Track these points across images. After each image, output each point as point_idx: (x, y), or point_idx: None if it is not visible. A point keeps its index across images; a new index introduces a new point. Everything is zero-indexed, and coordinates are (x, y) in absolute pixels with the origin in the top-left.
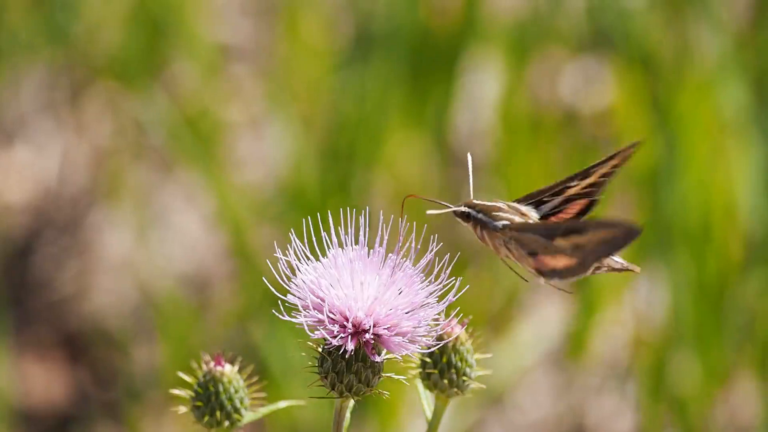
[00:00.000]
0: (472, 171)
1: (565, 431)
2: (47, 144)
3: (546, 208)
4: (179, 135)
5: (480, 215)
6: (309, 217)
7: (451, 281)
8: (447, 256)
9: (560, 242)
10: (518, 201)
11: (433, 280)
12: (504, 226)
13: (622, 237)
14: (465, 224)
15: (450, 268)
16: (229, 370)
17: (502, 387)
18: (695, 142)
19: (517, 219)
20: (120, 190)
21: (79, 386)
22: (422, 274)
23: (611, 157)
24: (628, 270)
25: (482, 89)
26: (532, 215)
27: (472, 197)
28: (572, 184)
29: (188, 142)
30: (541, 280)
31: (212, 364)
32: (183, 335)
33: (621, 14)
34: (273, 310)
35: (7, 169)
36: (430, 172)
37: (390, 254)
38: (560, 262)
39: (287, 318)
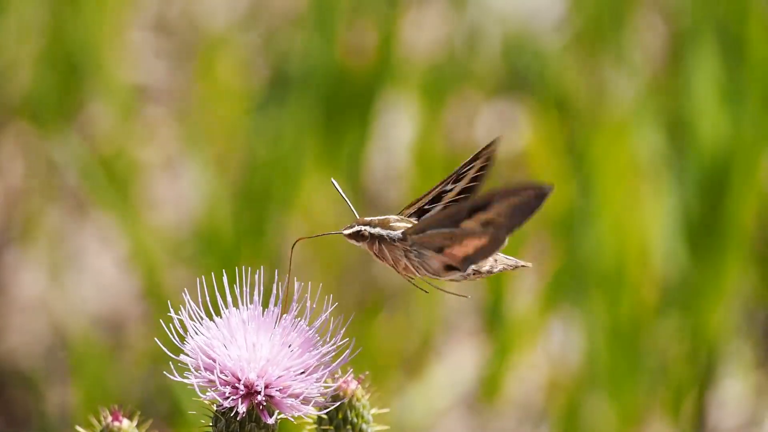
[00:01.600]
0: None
1: None
2: None
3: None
4: (94, 176)
5: (376, 229)
6: (213, 272)
7: (345, 341)
8: (341, 316)
9: (468, 224)
10: (401, 213)
11: (327, 340)
12: (403, 233)
13: (534, 198)
14: (359, 244)
15: (345, 327)
16: (126, 425)
17: (416, 430)
18: (610, 185)
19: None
20: (34, 231)
21: None
22: (317, 335)
23: (476, 158)
24: (521, 266)
25: (398, 131)
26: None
27: (357, 216)
28: (448, 188)
29: (103, 184)
30: (447, 285)
31: (110, 418)
32: (97, 376)
33: (537, 56)
34: (164, 372)
35: None
36: (345, 215)
37: (285, 315)
38: (470, 246)
39: (179, 378)
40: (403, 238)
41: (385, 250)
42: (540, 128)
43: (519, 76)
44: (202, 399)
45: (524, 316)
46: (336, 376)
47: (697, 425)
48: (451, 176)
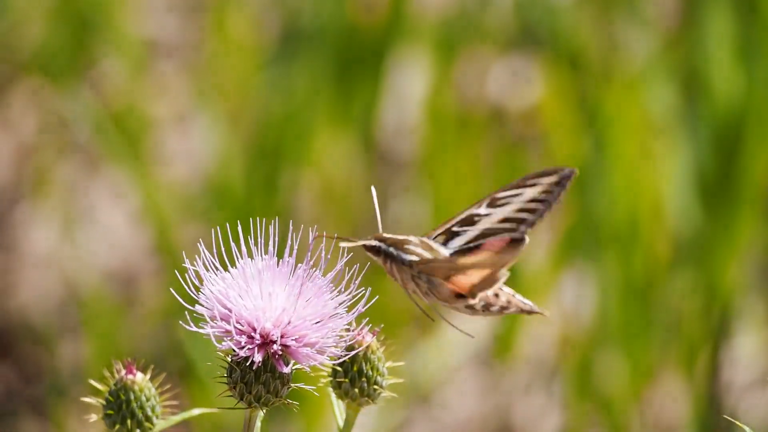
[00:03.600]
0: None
1: (491, 430)
2: None
3: (459, 241)
4: (105, 131)
5: (390, 249)
6: (228, 224)
7: (360, 291)
8: (356, 266)
9: (465, 261)
10: (428, 235)
11: (342, 289)
12: (410, 261)
13: (511, 245)
14: (375, 258)
15: (360, 277)
16: (140, 378)
17: (429, 386)
18: (623, 141)
19: (427, 255)
20: (46, 187)
21: (4, 382)
22: (332, 284)
23: (524, 185)
24: (536, 312)
25: (409, 87)
26: (442, 252)
27: (381, 230)
28: (479, 211)
29: (114, 139)
30: (457, 314)
31: (123, 372)
32: (108, 332)
33: (549, 12)
34: (180, 322)
35: None
36: (356, 170)
37: (300, 264)
38: (474, 276)
39: (194, 329)
40: (411, 264)
41: (395, 270)
42: (552, 84)
43: (531, 32)
44: (217, 349)
45: (537, 272)
46: (351, 328)
47: (710, 381)
48: (485, 199)
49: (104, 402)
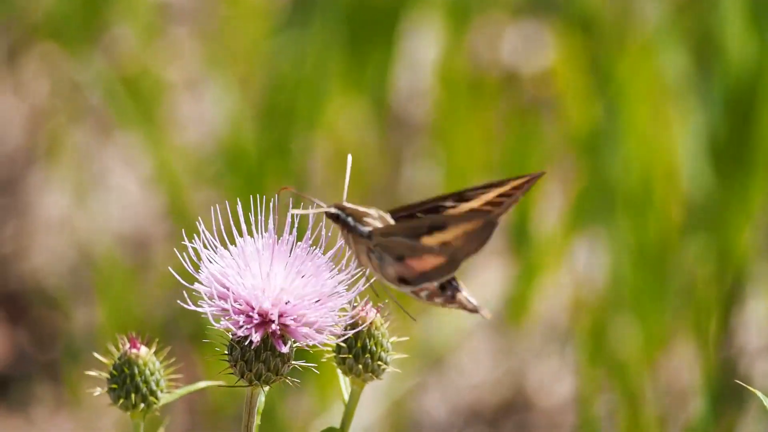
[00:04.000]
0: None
1: (504, 394)
2: None
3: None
4: (117, 96)
5: (348, 218)
6: (227, 201)
7: (361, 270)
8: None
9: (427, 241)
10: (392, 212)
11: (343, 268)
12: (369, 232)
13: (482, 228)
14: (334, 224)
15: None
16: (144, 352)
17: (442, 350)
18: (636, 105)
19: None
20: (58, 151)
21: (17, 346)
22: (332, 263)
23: (496, 185)
24: (477, 313)
25: (422, 52)
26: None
27: (345, 199)
28: (447, 203)
29: (126, 104)
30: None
31: (128, 345)
32: (121, 296)
33: None
34: (178, 300)
35: None
36: (369, 135)
37: (299, 242)
38: (428, 263)
39: (192, 307)
40: (369, 236)
41: (351, 241)
42: (565, 48)
43: None
44: (216, 328)
45: (550, 236)
46: (354, 304)
47: (722, 346)
48: (453, 194)
49: (108, 376)
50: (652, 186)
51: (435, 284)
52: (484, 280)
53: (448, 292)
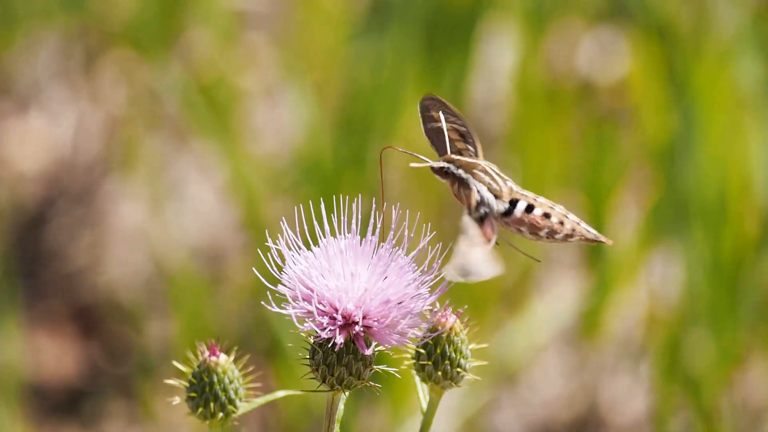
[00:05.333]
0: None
1: (578, 410)
2: (61, 112)
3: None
4: (194, 104)
5: (459, 171)
6: (311, 201)
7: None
8: (439, 245)
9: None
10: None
11: (425, 269)
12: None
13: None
14: (443, 180)
15: (443, 256)
16: (223, 360)
17: (516, 366)
18: (712, 115)
19: (494, 186)
20: (134, 160)
21: (90, 360)
22: (415, 264)
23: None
24: (598, 241)
25: (498, 59)
26: (507, 185)
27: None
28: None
29: (203, 112)
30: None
31: (207, 354)
32: (196, 309)
33: None
34: (262, 302)
35: (21, 137)
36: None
37: (383, 243)
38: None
39: (276, 309)
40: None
41: (463, 194)
42: (642, 57)
43: (621, 4)
44: (299, 330)
45: (625, 250)
46: (434, 309)
47: None
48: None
49: (187, 384)
50: (727, 198)
51: (555, 220)
52: (557, 294)
53: (567, 226)
